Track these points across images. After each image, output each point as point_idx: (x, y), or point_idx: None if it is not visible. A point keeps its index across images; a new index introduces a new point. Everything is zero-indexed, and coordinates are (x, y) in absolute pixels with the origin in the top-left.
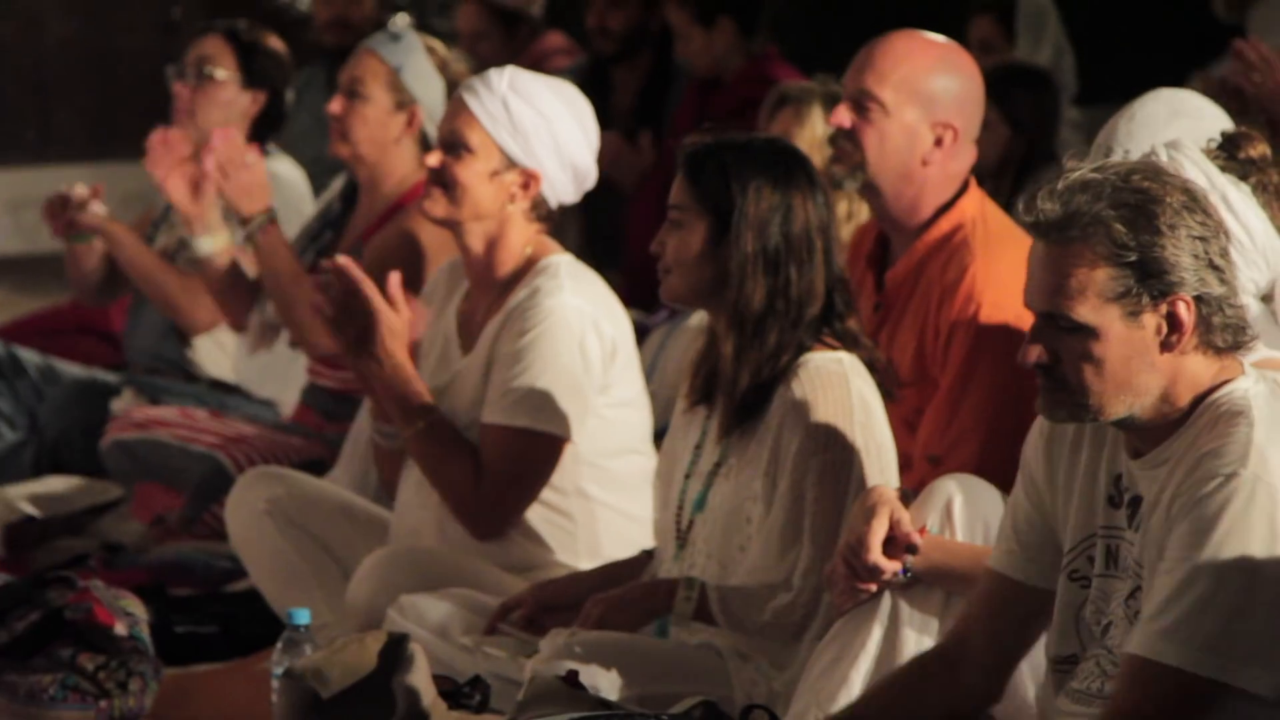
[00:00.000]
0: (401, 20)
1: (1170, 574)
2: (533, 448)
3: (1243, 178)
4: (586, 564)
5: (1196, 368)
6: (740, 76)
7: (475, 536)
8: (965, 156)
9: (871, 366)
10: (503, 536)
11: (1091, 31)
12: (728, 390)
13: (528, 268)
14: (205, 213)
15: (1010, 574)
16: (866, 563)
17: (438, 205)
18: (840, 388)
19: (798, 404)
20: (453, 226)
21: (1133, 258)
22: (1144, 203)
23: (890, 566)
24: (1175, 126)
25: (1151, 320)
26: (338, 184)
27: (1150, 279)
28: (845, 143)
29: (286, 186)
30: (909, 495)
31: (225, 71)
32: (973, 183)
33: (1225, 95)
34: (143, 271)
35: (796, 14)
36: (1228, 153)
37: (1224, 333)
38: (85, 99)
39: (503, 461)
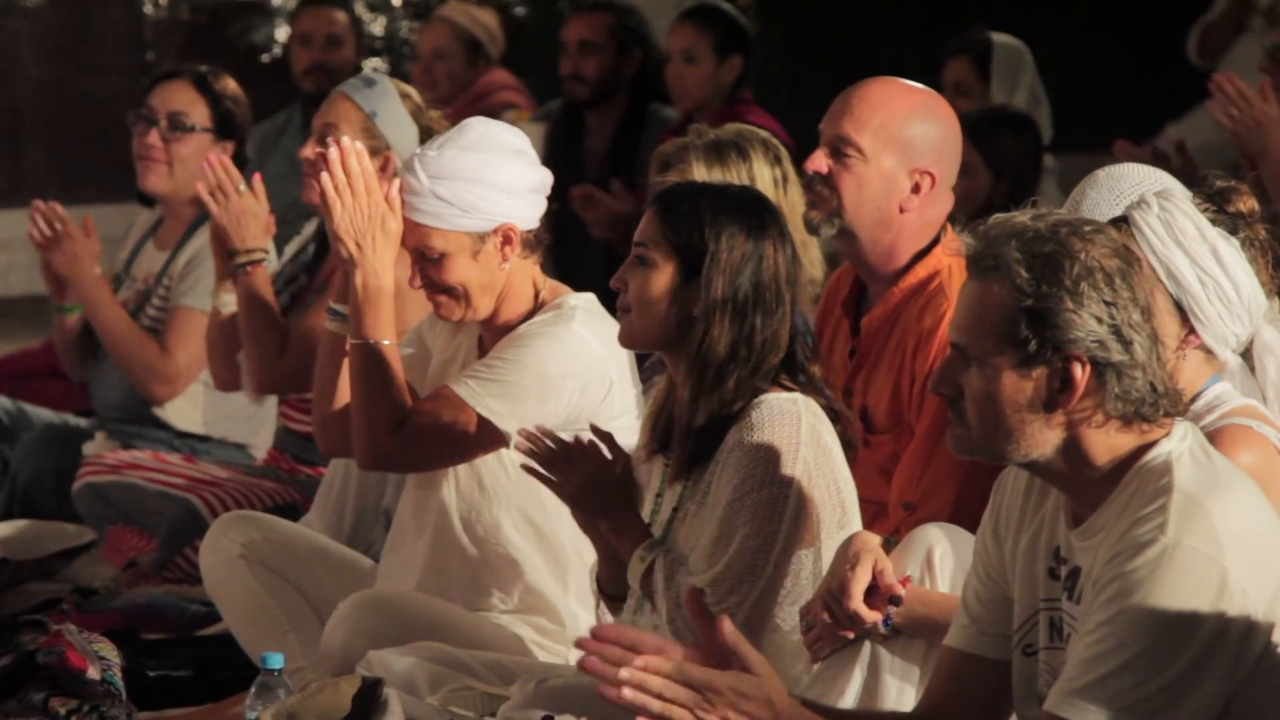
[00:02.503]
0: (375, 66)
1: (1090, 635)
2: (473, 430)
3: (1232, 232)
4: (575, 601)
5: (1109, 434)
6: (717, 120)
7: (361, 464)
8: (942, 203)
9: (834, 416)
10: (392, 470)
11: (1065, 79)
12: (683, 434)
13: (540, 308)
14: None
15: (964, 649)
16: (847, 610)
17: (454, 312)
18: (790, 425)
19: (743, 442)
20: (484, 316)
21: (1028, 303)
22: (1056, 255)
23: (871, 617)
24: (1122, 207)
25: (1041, 373)
26: (310, 228)
27: (1045, 330)
28: (822, 188)
29: None
30: (891, 542)
31: (201, 124)
32: (949, 229)
33: (1156, 162)
34: (115, 336)
35: (771, 60)
36: (1218, 206)
37: (1119, 402)
38: (58, 142)
39: (439, 427)
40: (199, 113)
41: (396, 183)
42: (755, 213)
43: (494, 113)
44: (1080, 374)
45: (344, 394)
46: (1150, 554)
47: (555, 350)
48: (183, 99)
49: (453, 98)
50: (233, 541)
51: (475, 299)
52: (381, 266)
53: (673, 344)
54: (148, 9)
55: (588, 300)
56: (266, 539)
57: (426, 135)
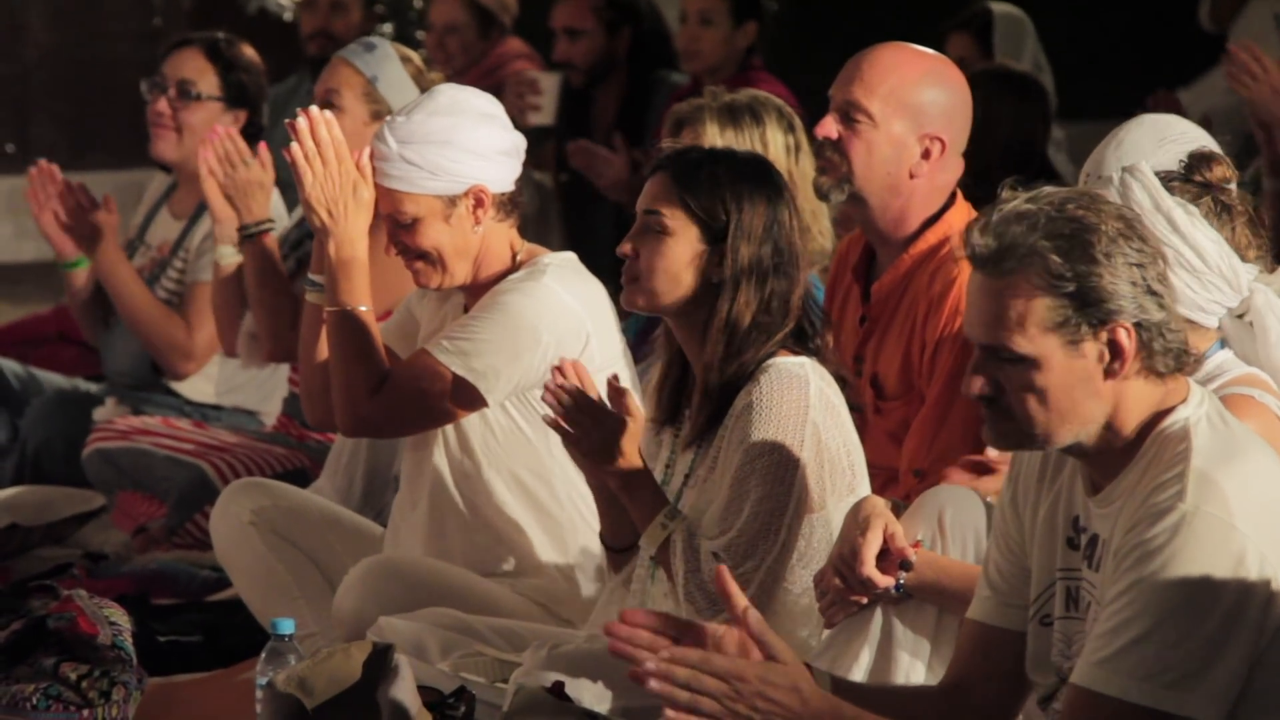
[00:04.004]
0: (384, 32)
1: (1111, 606)
2: (450, 391)
3: (1197, 198)
4: (575, 564)
5: (1140, 393)
6: (729, 86)
7: (343, 430)
8: (953, 169)
9: (841, 381)
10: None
11: (1069, 46)
12: (701, 401)
13: (517, 269)
14: (228, 222)
15: (987, 621)
16: (860, 576)
17: (431, 278)
18: (799, 389)
19: (753, 404)
20: (464, 281)
21: (1070, 288)
22: (1079, 232)
23: (884, 581)
24: (1163, 152)
25: (1092, 349)
26: None
27: (1088, 308)
28: (832, 154)
29: None
30: (900, 506)
31: (208, 92)
32: (960, 195)
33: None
34: (138, 312)
35: (780, 28)
36: (1185, 175)
37: (1165, 357)
38: (65, 108)
39: (417, 389)
40: (208, 81)
41: (368, 150)
42: (768, 179)
43: (507, 82)
44: (1127, 339)
45: (324, 362)
46: (1168, 522)
47: (526, 305)
48: (192, 67)
49: (466, 69)
50: (243, 508)
51: (450, 263)
52: (355, 234)
53: (687, 310)
54: None
55: (564, 258)
56: (276, 505)
57: None
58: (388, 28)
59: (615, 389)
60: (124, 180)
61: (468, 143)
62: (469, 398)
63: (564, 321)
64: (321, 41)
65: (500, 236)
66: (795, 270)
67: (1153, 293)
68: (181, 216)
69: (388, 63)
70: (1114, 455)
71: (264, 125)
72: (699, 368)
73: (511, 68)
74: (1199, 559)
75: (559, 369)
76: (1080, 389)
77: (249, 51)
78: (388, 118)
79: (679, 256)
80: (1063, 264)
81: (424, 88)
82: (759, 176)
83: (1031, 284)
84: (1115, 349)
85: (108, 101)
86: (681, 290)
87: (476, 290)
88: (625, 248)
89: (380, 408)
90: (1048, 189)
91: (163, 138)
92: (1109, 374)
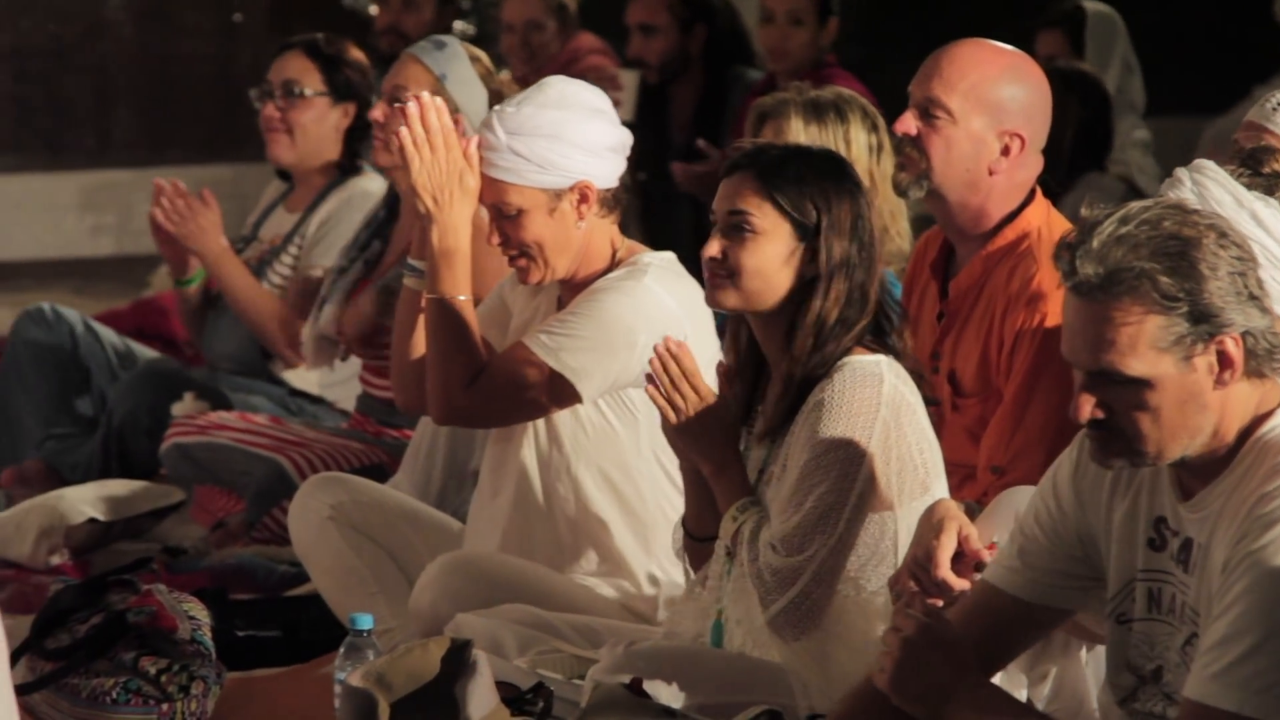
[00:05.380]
0: (463, 30)
1: (1223, 618)
2: (546, 385)
3: (1269, 192)
4: (658, 563)
5: (1242, 398)
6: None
7: (436, 419)
8: (1032, 165)
9: (917, 377)
10: (454, 423)
11: (1155, 42)
12: (780, 395)
13: (616, 266)
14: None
15: (1007, 589)
16: (935, 578)
17: (533, 274)
18: (872, 386)
19: (824, 402)
20: (564, 277)
21: (1182, 307)
22: (1183, 249)
23: (959, 584)
24: None
25: (1202, 362)
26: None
27: (1200, 323)
28: (911, 150)
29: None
30: (974, 508)
31: (313, 89)
32: (1038, 192)
33: None
34: (249, 304)
35: (856, 24)
36: (1252, 169)
37: (1269, 360)
38: (145, 102)
39: (513, 382)
40: (312, 79)
41: (475, 139)
42: (847, 175)
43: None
44: (1235, 348)
45: (420, 349)
46: (1276, 532)
47: (627, 304)
48: (295, 68)
49: (543, 67)
50: (321, 503)
51: (552, 258)
52: (459, 222)
53: (779, 308)
54: None
55: (664, 258)
56: (355, 500)
57: (496, 99)
58: (465, 24)
59: (723, 375)
60: (202, 175)
61: (576, 137)
62: (564, 393)
63: (661, 323)
64: (392, 38)
65: (602, 233)
66: (875, 263)
67: (1253, 298)
68: (297, 210)
69: (457, 61)
70: (1211, 461)
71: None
72: (782, 363)
73: (587, 62)
74: None
75: (665, 346)
76: (1192, 404)
77: (352, 48)
78: (496, 108)
79: (773, 255)
80: (1172, 283)
81: (492, 88)
82: (839, 172)
83: (1143, 306)
84: (1224, 359)
85: (187, 96)
86: (777, 289)
87: (575, 286)
88: (714, 249)
89: (475, 399)
90: (1134, 206)
91: (276, 142)
92: (1218, 384)
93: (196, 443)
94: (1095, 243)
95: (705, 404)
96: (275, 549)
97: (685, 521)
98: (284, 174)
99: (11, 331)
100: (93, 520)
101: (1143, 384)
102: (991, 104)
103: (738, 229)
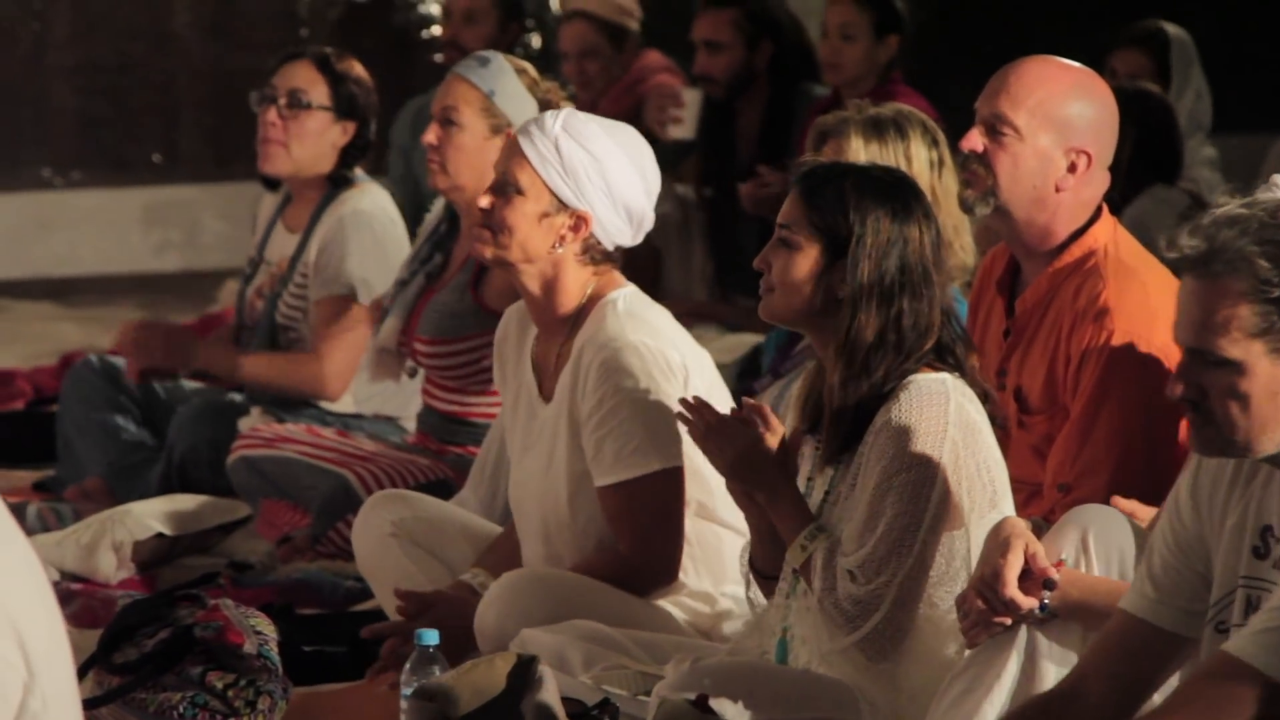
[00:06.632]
0: (533, 41)
1: None
2: (654, 489)
3: None
4: (709, 584)
5: None
6: (869, 99)
7: (643, 595)
8: (1098, 182)
9: (983, 396)
10: (672, 581)
11: (1221, 60)
12: (831, 419)
13: (590, 306)
14: None
15: (1141, 616)
16: (1003, 597)
17: (486, 247)
18: (938, 405)
19: (891, 423)
20: (504, 268)
21: (1276, 293)
22: None
23: (1027, 602)
24: None
25: None
26: (439, 205)
27: None
28: (977, 166)
29: (374, 221)
30: (1041, 525)
31: (319, 101)
32: (1105, 209)
33: None
34: (268, 380)
35: (923, 40)
36: None
37: None
38: (211, 118)
39: (634, 515)
40: (318, 91)
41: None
42: (900, 195)
43: (650, 94)
44: None
45: None
46: None
47: (641, 378)
48: (302, 77)
49: (607, 89)
50: (384, 520)
51: (511, 248)
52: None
53: (816, 324)
54: None
55: (629, 300)
56: (417, 517)
57: (544, 108)
58: (536, 38)
59: (749, 406)
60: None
61: (610, 177)
62: (672, 478)
63: (672, 372)
64: (451, 52)
65: (576, 274)
66: (928, 288)
67: None
68: (296, 230)
69: (504, 76)
70: None
71: (371, 139)
72: (827, 385)
73: (654, 80)
74: None
75: (685, 409)
76: None
77: (358, 66)
78: (567, 107)
79: (803, 270)
80: (1271, 270)
81: (540, 99)
82: (888, 192)
83: (1238, 289)
84: None
85: (253, 112)
86: (801, 303)
87: (548, 326)
88: (759, 260)
89: (639, 559)
90: (1264, 196)
91: (272, 153)
92: None
93: (263, 456)
94: (1207, 220)
95: (744, 442)
96: (341, 564)
97: (754, 560)
98: (270, 182)
99: (63, 386)
100: (159, 535)
101: (1233, 367)
102: (1058, 121)
103: (780, 242)
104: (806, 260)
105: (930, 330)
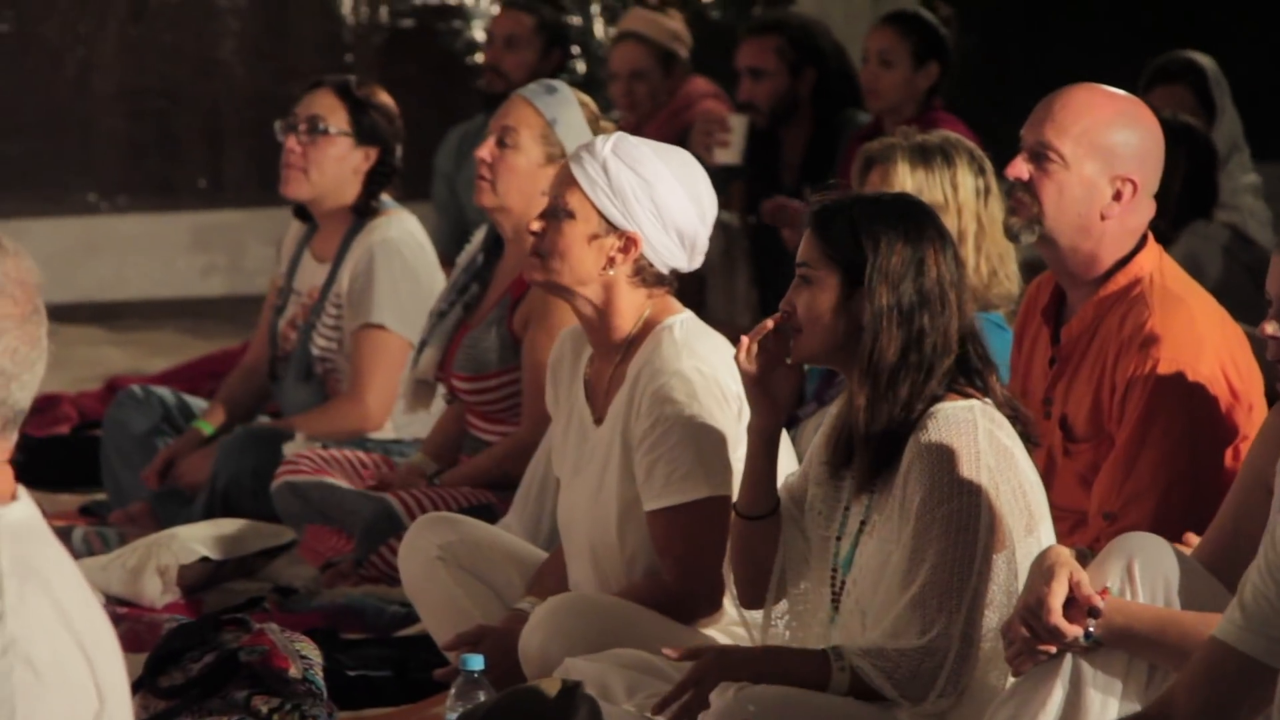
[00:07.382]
0: (578, 68)
1: None
2: (702, 516)
3: None
4: (754, 612)
5: None
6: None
7: (688, 622)
8: (1144, 210)
9: (1013, 415)
10: (717, 608)
11: (1261, 86)
12: (861, 445)
13: (646, 331)
14: None
15: (1230, 643)
16: (1048, 625)
17: (535, 270)
18: (968, 433)
19: (924, 453)
20: (556, 292)
21: None
22: None
23: (1072, 630)
24: None
25: None
26: (479, 236)
27: None
28: (1022, 194)
29: (404, 247)
30: (1086, 554)
31: (337, 127)
32: (1150, 237)
33: None
34: (309, 431)
35: (965, 69)
36: None
37: None
38: (257, 143)
39: (681, 541)
40: (338, 118)
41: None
42: (911, 217)
43: (696, 120)
44: None
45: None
46: None
47: (696, 403)
48: (323, 104)
49: (655, 113)
50: (430, 543)
51: (562, 274)
52: None
53: (844, 356)
54: (346, 12)
55: (686, 327)
56: (463, 541)
57: None
58: (580, 66)
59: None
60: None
61: (660, 199)
62: (720, 506)
63: (726, 401)
64: (491, 76)
65: (629, 297)
66: (946, 306)
67: None
68: (324, 258)
69: (568, 107)
70: None
71: (397, 165)
72: (853, 409)
73: (700, 106)
74: None
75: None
76: None
77: (382, 94)
78: (617, 130)
79: (826, 305)
80: None
81: (598, 133)
82: (898, 215)
83: None
84: None
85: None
86: (828, 335)
87: (603, 349)
88: (784, 306)
89: (684, 585)
90: None
91: (293, 177)
92: None
93: (307, 481)
94: None
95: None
96: (385, 589)
97: (737, 505)
98: (301, 212)
99: (106, 416)
100: (204, 559)
101: None
102: (1104, 149)
103: (801, 280)
104: (827, 293)
105: (949, 349)
